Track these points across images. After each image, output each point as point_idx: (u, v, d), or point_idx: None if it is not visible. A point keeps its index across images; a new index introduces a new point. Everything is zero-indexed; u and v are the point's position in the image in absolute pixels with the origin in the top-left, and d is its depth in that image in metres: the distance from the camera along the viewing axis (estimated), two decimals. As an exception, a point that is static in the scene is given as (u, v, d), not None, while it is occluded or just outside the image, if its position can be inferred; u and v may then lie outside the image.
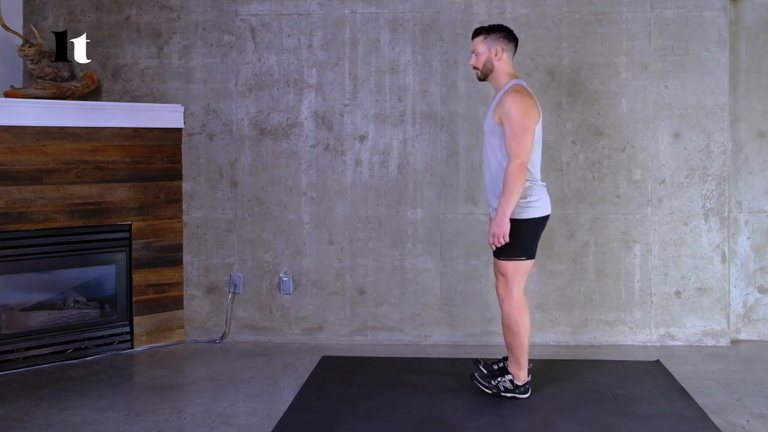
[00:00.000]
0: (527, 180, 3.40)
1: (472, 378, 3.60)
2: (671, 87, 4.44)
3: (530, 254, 3.49)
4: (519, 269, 3.48)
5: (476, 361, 3.72)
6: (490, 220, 3.51)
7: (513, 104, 3.36)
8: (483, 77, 3.56)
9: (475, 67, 3.55)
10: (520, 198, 3.38)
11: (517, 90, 3.41)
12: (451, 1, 4.50)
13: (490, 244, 3.43)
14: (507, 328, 3.52)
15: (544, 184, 3.53)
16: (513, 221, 3.38)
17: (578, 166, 4.48)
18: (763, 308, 4.58)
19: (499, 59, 3.49)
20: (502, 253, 3.46)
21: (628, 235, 4.48)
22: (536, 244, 3.52)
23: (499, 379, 3.56)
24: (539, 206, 3.46)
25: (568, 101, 4.47)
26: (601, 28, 4.45)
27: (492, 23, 3.62)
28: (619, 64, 4.45)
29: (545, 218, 3.51)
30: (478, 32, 3.54)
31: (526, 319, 3.50)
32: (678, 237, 4.47)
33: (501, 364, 3.67)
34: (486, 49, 3.49)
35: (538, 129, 3.44)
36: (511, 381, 3.55)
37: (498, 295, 3.56)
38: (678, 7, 4.43)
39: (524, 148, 3.34)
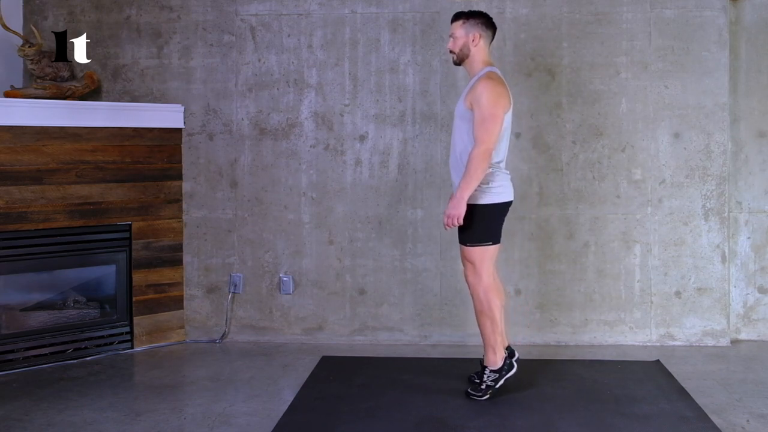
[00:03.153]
0: (490, 167, 3.43)
1: (467, 395, 3.60)
2: (671, 87, 4.44)
3: (496, 239, 3.54)
4: (486, 254, 3.51)
5: (471, 377, 3.75)
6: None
7: (484, 91, 3.39)
8: (458, 62, 3.59)
9: (451, 51, 3.59)
10: (483, 183, 3.43)
11: (490, 77, 3.44)
12: (451, 1, 4.50)
13: (445, 225, 3.46)
14: (480, 314, 3.55)
15: (507, 172, 3.57)
16: (477, 206, 3.43)
17: (578, 166, 4.48)
18: (763, 308, 4.58)
19: (476, 45, 3.51)
20: (469, 239, 3.50)
21: (628, 235, 4.48)
22: (500, 229, 3.57)
23: (483, 378, 3.58)
24: (501, 192, 3.51)
25: (568, 101, 4.47)
26: (601, 28, 4.45)
27: (473, 9, 3.64)
28: (619, 64, 4.45)
29: (508, 204, 3.56)
30: (457, 16, 3.57)
31: (497, 300, 3.54)
32: (678, 237, 4.47)
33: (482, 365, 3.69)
34: (464, 33, 3.52)
35: (508, 117, 3.48)
36: (492, 370, 3.56)
37: (468, 283, 3.58)
38: (678, 7, 4.43)
39: (491, 134, 3.37)
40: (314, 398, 3.60)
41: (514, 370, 3.59)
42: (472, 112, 3.43)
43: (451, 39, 3.56)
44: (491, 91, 3.39)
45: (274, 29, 4.58)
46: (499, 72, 3.54)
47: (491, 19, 3.59)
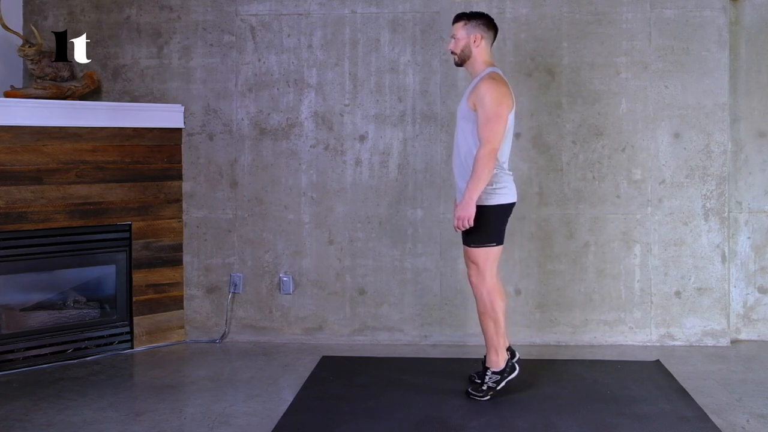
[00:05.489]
0: (495, 167, 3.42)
1: (468, 395, 3.60)
2: (671, 87, 4.44)
3: (499, 240, 3.54)
4: (490, 256, 3.51)
5: (471, 377, 3.75)
6: (456, 204, 3.56)
7: (488, 91, 3.39)
8: (460, 63, 3.60)
9: (453, 52, 3.59)
10: (488, 185, 3.42)
11: (493, 77, 3.45)
12: (451, 1, 4.50)
13: (455, 227, 3.46)
14: (483, 315, 3.55)
15: (510, 173, 3.57)
16: (481, 207, 3.43)
17: (578, 166, 4.48)
18: (763, 308, 4.58)
19: (477, 46, 3.52)
20: (473, 240, 3.50)
21: (628, 235, 4.48)
22: (504, 230, 3.56)
23: (485, 378, 3.58)
24: (505, 193, 3.51)
25: (568, 101, 4.47)
26: (601, 28, 4.45)
27: (475, 10, 3.65)
28: (619, 64, 4.45)
29: (511, 205, 3.56)
30: (459, 17, 3.58)
31: (500, 301, 3.54)
32: (678, 237, 4.47)
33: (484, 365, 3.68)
34: (465, 34, 3.53)
35: (511, 117, 3.48)
36: (494, 372, 3.56)
37: (471, 284, 3.59)
38: (678, 7, 4.43)
39: (496, 134, 3.38)
40: (314, 398, 3.60)
41: (516, 372, 3.59)
42: (475, 112, 3.43)
43: (453, 40, 3.57)
44: (494, 90, 3.40)
45: (274, 29, 4.58)
46: (500, 72, 3.55)
47: (492, 20, 3.60)
